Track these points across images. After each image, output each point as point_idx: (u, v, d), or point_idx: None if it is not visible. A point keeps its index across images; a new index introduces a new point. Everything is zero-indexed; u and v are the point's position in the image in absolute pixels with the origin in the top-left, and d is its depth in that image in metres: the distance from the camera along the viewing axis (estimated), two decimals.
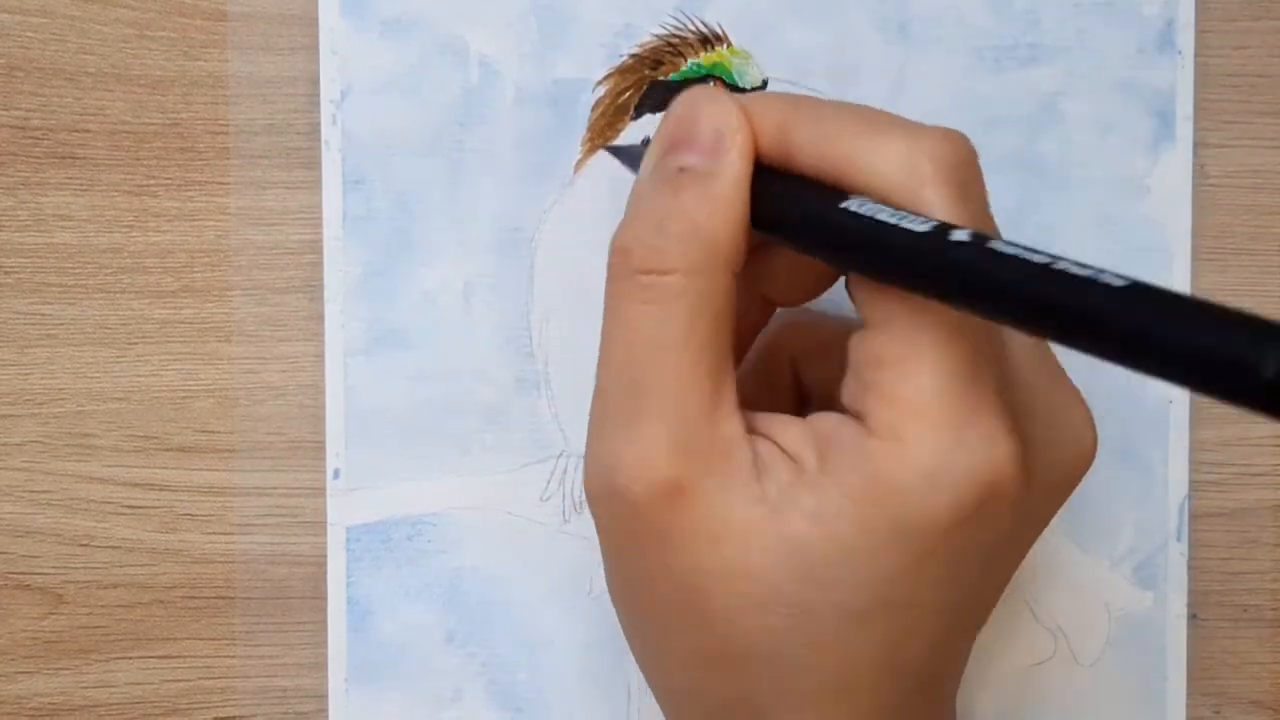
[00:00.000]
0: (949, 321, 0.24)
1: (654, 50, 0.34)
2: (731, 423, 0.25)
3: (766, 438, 0.25)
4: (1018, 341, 0.27)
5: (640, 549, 0.25)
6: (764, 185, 0.25)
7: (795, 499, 0.24)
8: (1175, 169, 0.34)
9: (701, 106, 0.26)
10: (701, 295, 0.25)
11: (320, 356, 0.34)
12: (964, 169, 0.25)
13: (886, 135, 0.24)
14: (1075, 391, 0.28)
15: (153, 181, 0.34)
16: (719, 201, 0.25)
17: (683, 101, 0.26)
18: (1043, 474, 0.25)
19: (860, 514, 0.24)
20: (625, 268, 0.25)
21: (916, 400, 0.24)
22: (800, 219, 0.25)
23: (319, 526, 0.34)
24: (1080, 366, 0.35)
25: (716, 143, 0.25)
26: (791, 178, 0.25)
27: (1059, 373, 0.28)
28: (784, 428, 0.25)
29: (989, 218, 0.26)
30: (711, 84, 0.34)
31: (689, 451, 0.24)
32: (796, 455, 0.25)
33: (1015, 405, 0.25)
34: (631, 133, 0.34)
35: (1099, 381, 0.35)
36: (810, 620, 0.24)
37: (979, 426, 0.24)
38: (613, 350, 0.25)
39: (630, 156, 0.33)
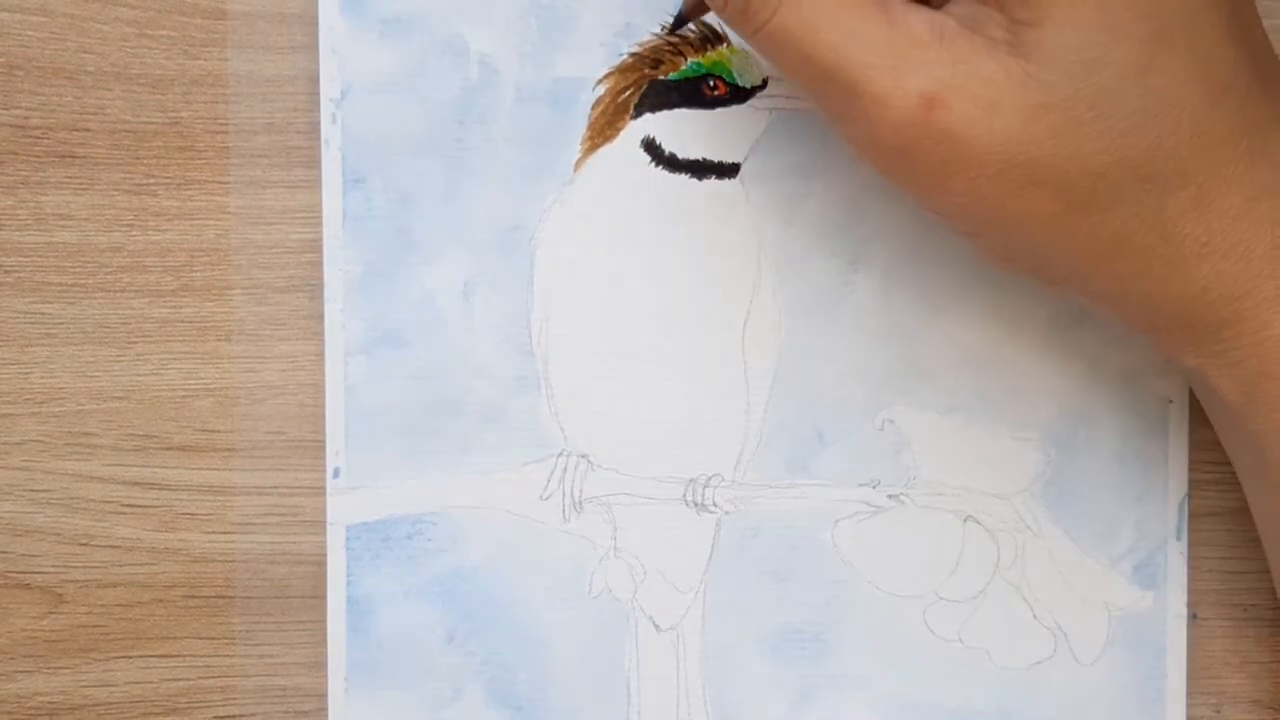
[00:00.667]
0: None
1: (654, 49, 0.34)
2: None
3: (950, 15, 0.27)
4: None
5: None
6: None
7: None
8: None
9: None
10: None
11: (320, 355, 0.34)
12: None
13: None
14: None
15: (152, 180, 0.34)
16: None
17: None
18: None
19: None
20: None
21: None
22: None
23: (319, 525, 0.34)
24: (1080, 366, 0.35)
25: None
26: None
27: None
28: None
29: None
30: (712, 81, 0.34)
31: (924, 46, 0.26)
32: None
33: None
34: (631, 132, 0.34)
35: (1100, 381, 0.35)
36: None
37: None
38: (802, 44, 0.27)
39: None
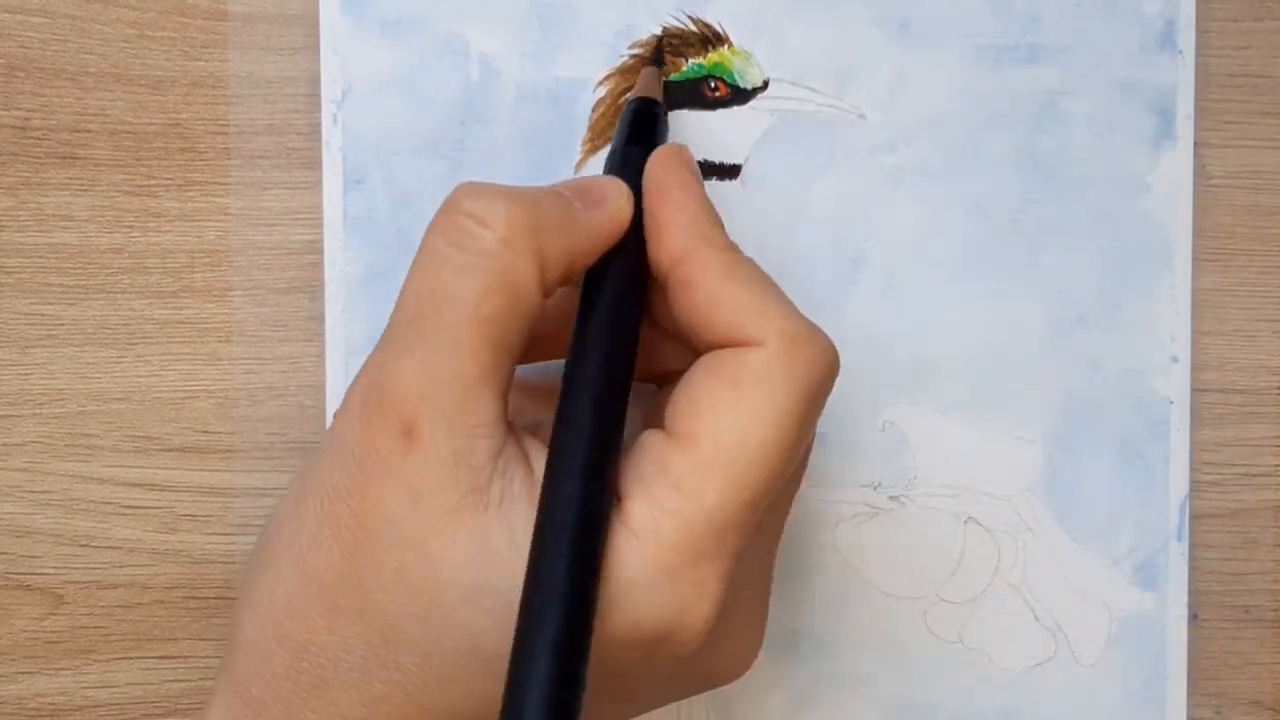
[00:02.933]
0: (745, 465, 0.24)
1: (655, 50, 0.34)
2: (491, 404, 0.24)
3: (525, 452, 0.25)
4: (767, 532, 0.27)
5: (353, 469, 0.24)
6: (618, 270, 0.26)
7: (510, 512, 0.24)
8: (1176, 168, 0.34)
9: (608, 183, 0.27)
10: (506, 273, 0.24)
11: (321, 357, 0.34)
12: (803, 386, 0.25)
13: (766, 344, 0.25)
14: (764, 614, 0.28)
15: (153, 182, 0.34)
16: (576, 225, 0.26)
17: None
18: (710, 656, 0.26)
19: None
20: (453, 208, 0.25)
21: (674, 516, 0.24)
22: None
23: None
24: (1081, 366, 0.35)
25: (610, 200, 0.27)
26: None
27: (767, 584, 0.28)
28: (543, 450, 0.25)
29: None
30: (713, 82, 0.34)
31: (437, 404, 0.24)
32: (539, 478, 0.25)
33: (736, 580, 0.25)
34: None
35: (1100, 381, 0.35)
36: (431, 629, 0.24)
37: (701, 572, 0.24)
38: (410, 281, 0.25)
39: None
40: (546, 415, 0.25)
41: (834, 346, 0.26)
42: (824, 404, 0.26)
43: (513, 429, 0.25)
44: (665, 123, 0.30)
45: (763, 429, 0.24)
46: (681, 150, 0.28)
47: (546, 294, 0.25)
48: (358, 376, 0.26)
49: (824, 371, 0.25)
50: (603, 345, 0.25)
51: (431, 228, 0.25)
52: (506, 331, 0.25)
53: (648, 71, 0.32)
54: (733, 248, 0.26)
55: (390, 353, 0.25)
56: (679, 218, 0.26)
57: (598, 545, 0.23)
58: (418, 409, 0.24)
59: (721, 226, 0.27)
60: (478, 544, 0.24)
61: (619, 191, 0.27)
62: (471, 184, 0.25)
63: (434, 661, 0.24)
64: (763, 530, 0.27)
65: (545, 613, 0.22)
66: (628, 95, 0.32)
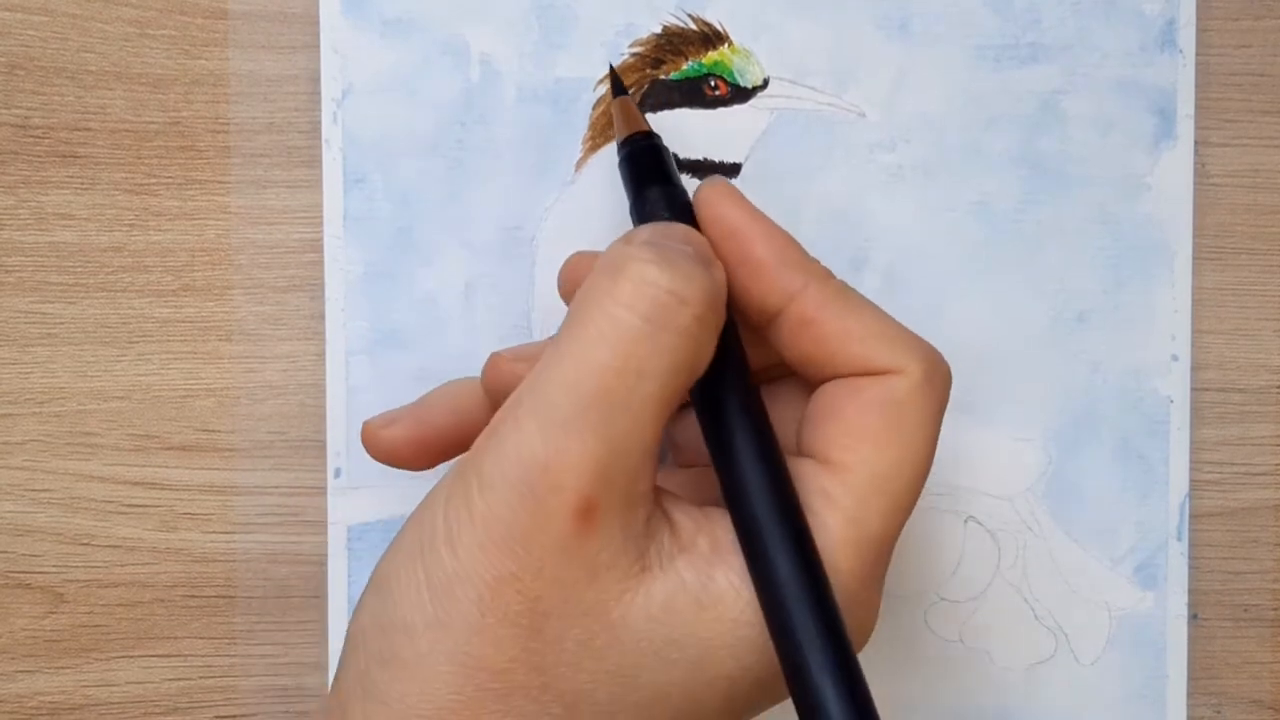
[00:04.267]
0: (901, 488, 0.26)
1: (655, 49, 0.34)
2: (651, 477, 0.25)
3: (664, 509, 0.26)
4: None
5: (520, 554, 0.24)
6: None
7: (670, 569, 0.25)
8: (1176, 167, 0.34)
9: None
10: (697, 353, 0.24)
11: (321, 355, 0.34)
12: (940, 406, 0.26)
13: (904, 353, 0.26)
14: None
15: (154, 180, 0.34)
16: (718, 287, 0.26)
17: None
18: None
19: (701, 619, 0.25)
20: (643, 278, 0.24)
21: (845, 545, 0.25)
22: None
23: (320, 525, 0.34)
24: (1081, 366, 0.35)
25: (708, 256, 0.26)
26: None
27: None
28: (680, 508, 0.26)
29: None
30: (713, 81, 0.34)
31: (616, 482, 0.24)
32: (687, 535, 0.25)
33: None
34: None
35: (1100, 381, 0.35)
36: (616, 687, 0.24)
37: (869, 591, 0.26)
38: (587, 351, 0.24)
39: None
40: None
41: (944, 360, 0.27)
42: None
43: (656, 490, 0.26)
44: (667, 151, 0.30)
45: (915, 452, 0.26)
46: (725, 183, 0.28)
47: None
48: (498, 452, 0.24)
49: (949, 389, 0.27)
50: (747, 424, 0.26)
51: (611, 293, 0.24)
52: (677, 403, 0.25)
53: (620, 103, 0.31)
54: (832, 275, 0.27)
55: (561, 429, 0.23)
56: (770, 254, 0.26)
57: (826, 593, 0.24)
58: (597, 488, 0.24)
59: (804, 251, 0.27)
60: (658, 604, 0.24)
61: (706, 242, 0.27)
62: (655, 251, 0.25)
63: (619, 717, 0.25)
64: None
65: (813, 643, 0.24)
66: (616, 141, 0.31)
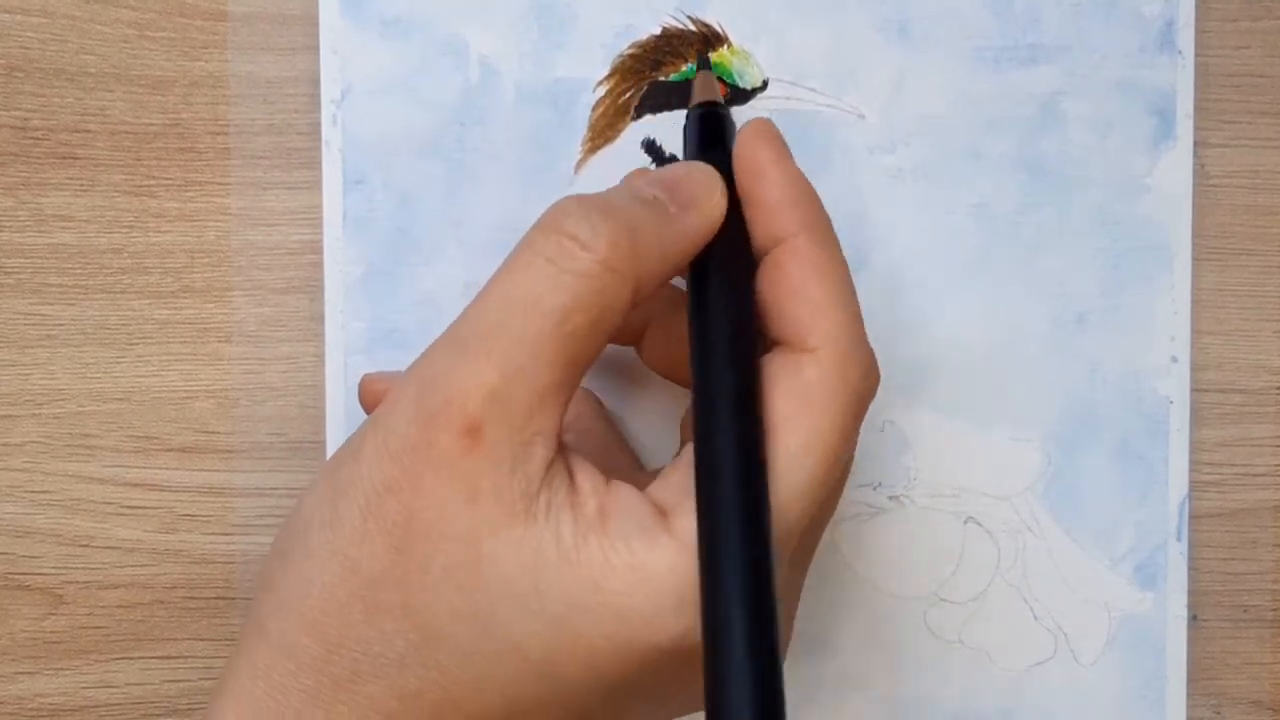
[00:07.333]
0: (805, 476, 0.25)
1: (655, 50, 0.34)
2: (554, 415, 0.25)
3: (569, 465, 0.26)
4: (804, 551, 0.28)
5: (405, 464, 0.25)
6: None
7: (558, 520, 0.24)
8: (1176, 168, 0.34)
9: (700, 174, 0.27)
10: (599, 294, 0.25)
11: (320, 357, 0.34)
12: (852, 401, 0.26)
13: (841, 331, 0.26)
14: (791, 628, 0.30)
15: (153, 182, 0.34)
16: (672, 235, 0.26)
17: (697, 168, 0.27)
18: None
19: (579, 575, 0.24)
20: (555, 226, 0.25)
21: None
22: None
23: None
24: (1081, 367, 0.35)
25: (704, 199, 0.27)
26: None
27: (797, 599, 0.30)
28: (586, 471, 0.26)
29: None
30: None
31: (505, 408, 0.24)
32: (582, 496, 0.25)
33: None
34: (632, 133, 0.34)
35: (1100, 381, 0.35)
36: (474, 628, 0.24)
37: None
38: (496, 287, 0.25)
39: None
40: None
41: (876, 363, 0.26)
42: (863, 419, 0.26)
43: (561, 442, 0.26)
44: (733, 124, 0.30)
45: (823, 439, 0.25)
46: (768, 124, 0.28)
47: (635, 306, 0.26)
48: (409, 374, 0.26)
49: (869, 389, 0.26)
50: (730, 378, 0.25)
51: (529, 240, 0.25)
52: (585, 349, 0.25)
53: (704, 75, 0.32)
54: (831, 238, 0.27)
55: (458, 352, 0.25)
56: (776, 196, 0.27)
57: (769, 576, 0.24)
58: (485, 409, 0.24)
59: (821, 207, 0.27)
60: (529, 549, 0.24)
61: (711, 186, 0.27)
62: (577, 201, 0.26)
63: (474, 661, 0.24)
64: (801, 548, 0.27)
65: (732, 613, 0.23)
66: (690, 105, 0.31)
